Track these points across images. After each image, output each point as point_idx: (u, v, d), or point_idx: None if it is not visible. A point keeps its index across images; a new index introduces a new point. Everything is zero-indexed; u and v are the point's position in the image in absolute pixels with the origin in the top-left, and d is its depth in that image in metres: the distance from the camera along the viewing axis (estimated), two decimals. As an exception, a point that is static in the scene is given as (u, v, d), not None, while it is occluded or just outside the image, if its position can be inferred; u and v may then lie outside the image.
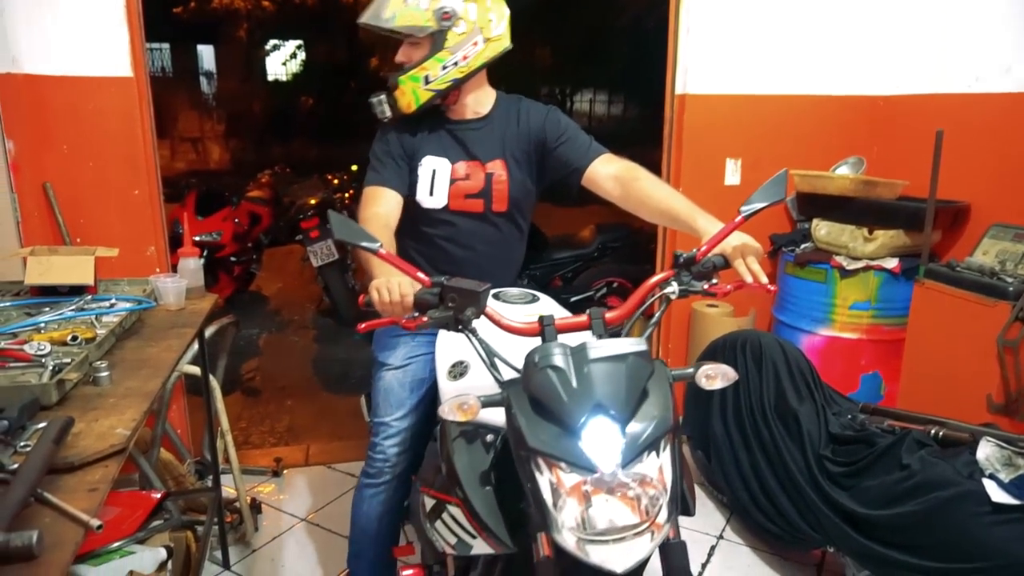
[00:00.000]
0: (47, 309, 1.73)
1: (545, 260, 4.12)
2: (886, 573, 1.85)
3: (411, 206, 1.79)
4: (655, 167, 2.88)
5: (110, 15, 2.42)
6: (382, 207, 1.67)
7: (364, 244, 1.20)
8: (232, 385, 3.85)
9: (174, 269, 2.16)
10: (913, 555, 1.76)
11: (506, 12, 1.72)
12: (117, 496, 1.94)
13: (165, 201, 2.72)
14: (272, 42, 15.52)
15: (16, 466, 1.02)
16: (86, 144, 2.49)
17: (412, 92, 1.68)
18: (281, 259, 6.68)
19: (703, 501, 2.68)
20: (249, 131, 14.25)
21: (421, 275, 1.23)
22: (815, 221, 2.89)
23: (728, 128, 2.98)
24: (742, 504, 2.37)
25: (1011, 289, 2.12)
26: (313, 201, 5.12)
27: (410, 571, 1.68)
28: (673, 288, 1.29)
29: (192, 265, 2.08)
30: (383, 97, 1.72)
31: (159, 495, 1.95)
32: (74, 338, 1.52)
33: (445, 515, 1.34)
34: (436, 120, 1.77)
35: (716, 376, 1.18)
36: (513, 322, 1.27)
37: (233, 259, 5.34)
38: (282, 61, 16.07)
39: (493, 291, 1.59)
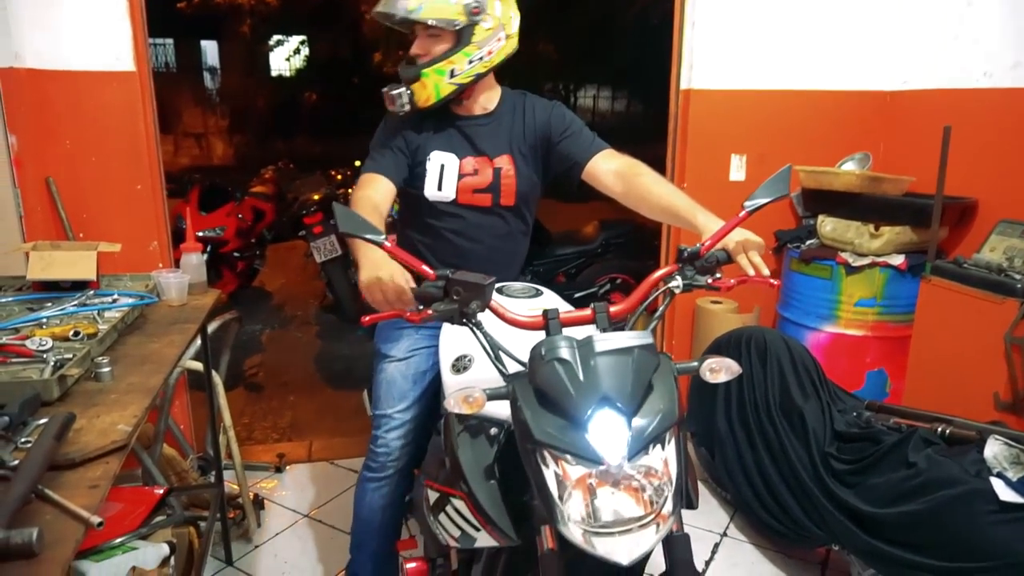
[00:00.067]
0: (49, 304, 1.72)
1: (549, 256, 4.11)
2: (892, 572, 1.84)
3: (417, 200, 1.79)
4: (660, 163, 2.87)
5: (113, 9, 2.41)
6: (374, 191, 1.66)
7: (369, 236, 1.20)
8: (235, 381, 3.85)
9: (177, 264, 2.16)
10: (919, 554, 1.75)
11: (518, 13, 1.73)
12: (120, 492, 1.94)
13: (169, 197, 2.72)
14: (276, 38, 15.52)
15: (17, 462, 1.02)
16: (89, 139, 2.48)
17: (435, 85, 1.66)
18: (284, 255, 6.69)
19: (707, 498, 2.67)
20: (252, 127, 14.26)
21: (426, 267, 1.23)
22: (821, 217, 2.87)
23: (733, 123, 2.96)
24: (746, 501, 2.36)
25: (1019, 286, 2.10)
26: (316, 197, 5.12)
27: (413, 564, 1.68)
28: (677, 282, 1.31)
29: (195, 260, 2.07)
30: (404, 89, 1.68)
31: (162, 491, 1.96)
32: (76, 333, 1.52)
33: (449, 508, 1.35)
34: (442, 116, 1.77)
35: (720, 370, 1.19)
36: (517, 316, 1.27)
37: (236, 255, 5.34)
38: (285, 57, 16.08)
39: (496, 285, 1.59)
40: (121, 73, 2.46)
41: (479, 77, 1.70)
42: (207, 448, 2.55)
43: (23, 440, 1.10)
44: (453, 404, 1.14)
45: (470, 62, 1.65)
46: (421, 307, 1.23)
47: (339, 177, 6.74)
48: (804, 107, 3.00)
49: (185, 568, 1.86)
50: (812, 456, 2.11)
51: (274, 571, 2.29)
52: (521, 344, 1.21)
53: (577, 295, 3.88)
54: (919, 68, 2.89)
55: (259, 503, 2.55)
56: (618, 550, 1.02)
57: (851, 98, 3.03)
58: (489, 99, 1.79)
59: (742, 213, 1.28)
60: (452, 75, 1.65)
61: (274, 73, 16.04)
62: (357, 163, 7.23)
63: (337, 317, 5.13)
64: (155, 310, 1.85)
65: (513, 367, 1.23)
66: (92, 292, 1.81)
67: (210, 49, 15.07)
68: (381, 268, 1.26)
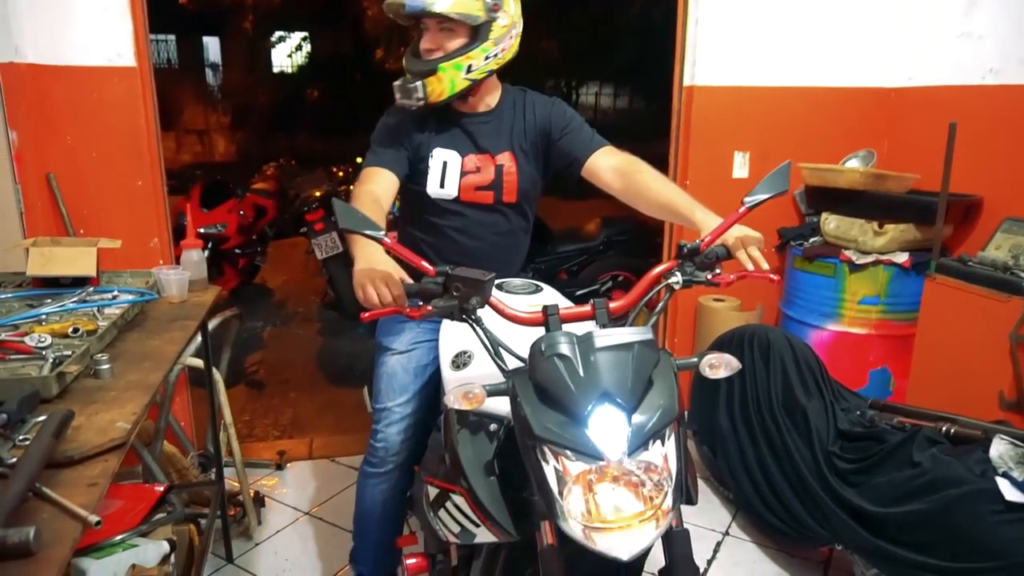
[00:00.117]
0: (49, 301, 1.72)
1: (551, 254, 4.10)
2: (896, 572, 1.83)
3: (419, 197, 1.78)
4: (662, 160, 2.86)
5: (113, 5, 2.40)
6: (376, 185, 1.65)
7: (368, 232, 1.19)
8: (236, 378, 3.84)
9: (178, 261, 2.15)
10: (924, 554, 1.74)
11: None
12: (120, 489, 1.93)
13: (171, 193, 2.71)
14: (278, 34, 15.50)
15: (15, 460, 1.01)
16: (90, 134, 2.47)
17: (450, 80, 1.65)
18: (286, 251, 6.67)
19: (709, 497, 2.66)
20: (254, 123, 14.25)
21: (425, 264, 1.22)
22: (824, 215, 2.86)
23: (737, 120, 2.95)
24: (748, 500, 2.36)
25: (1024, 284, 2.09)
26: (318, 193, 5.11)
27: (413, 560, 1.68)
28: (676, 278, 1.31)
29: (195, 257, 2.06)
30: (420, 83, 1.65)
31: (162, 488, 1.95)
32: (75, 330, 1.51)
33: (449, 504, 1.35)
34: (445, 113, 1.76)
35: (720, 365, 1.19)
36: (517, 311, 1.27)
37: (238, 251, 5.34)
38: (287, 53, 16.05)
39: (496, 281, 1.59)
40: (122, 68, 2.45)
41: (490, 74, 1.70)
42: (208, 445, 2.55)
43: (21, 438, 1.10)
44: (453, 400, 1.14)
45: (486, 58, 1.65)
46: (420, 303, 1.23)
47: (341, 174, 6.72)
48: (808, 104, 2.98)
49: (185, 566, 1.85)
50: (815, 455, 2.10)
51: (274, 569, 2.29)
52: (521, 340, 1.21)
53: (579, 292, 3.87)
54: (924, 64, 2.87)
55: (260, 500, 2.55)
56: (618, 546, 1.03)
57: (855, 95, 3.01)
58: (492, 96, 1.79)
59: (741, 209, 1.29)
60: (469, 71, 1.65)
61: (276, 69, 16.01)
62: (359, 160, 7.22)
63: (338, 314, 5.12)
64: (155, 307, 1.84)
65: (513, 363, 1.23)
66: (92, 289, 1.80)
67: (212, 45, 15.04)
68: (374, 265, 1.26)
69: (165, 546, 1.72)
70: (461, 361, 1.51)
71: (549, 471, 1.06)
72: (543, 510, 1.10)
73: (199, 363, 2.33)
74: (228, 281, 5.21)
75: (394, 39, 12.58)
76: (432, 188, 1.76)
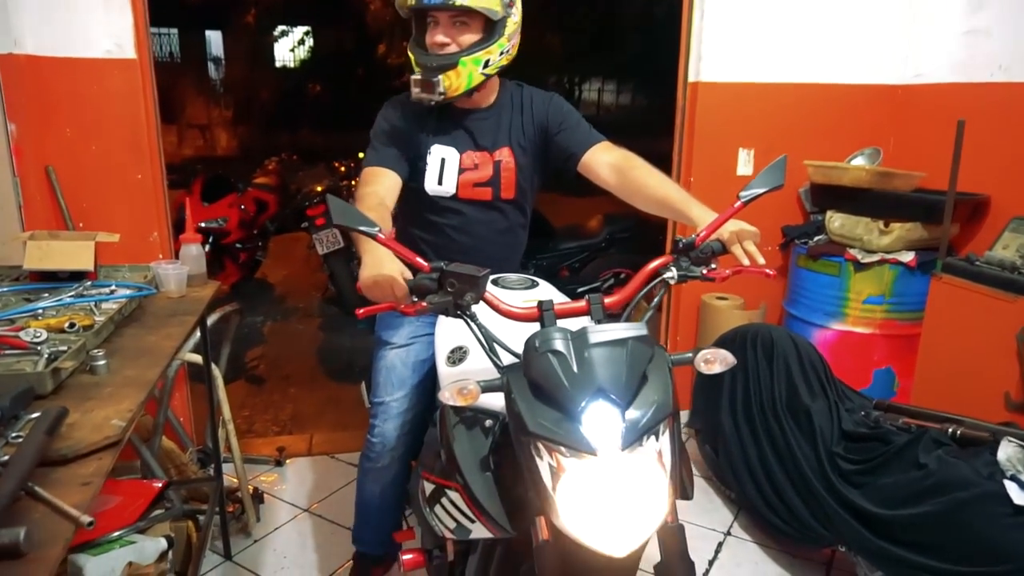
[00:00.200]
0: (46, 295, 1.70)
1: (552, 250, 4.09)
2: (901, 574, 1.81)
3: (417, 194, 1.77)
4: (666, 157, 2.83)
5: (114, -4, 2.38)
6: (380, 186, 1.64)
7: (362, 228, 1.18)
8: (236, 373, 3.83)
9: (178, 255, 2.13)
10: (930, 556, 1.72)
11: None
12: (118, 485, 1.92)
13: (172, 187, 2.70)
14: (280, 28, 15.48)
15: (7, 458, 0.99)
16: (89, 127, 2.45)
17: (468, 75, 1.62)
18: (287, 246, 6.66)
19: (711, 497, 2.64)
20: (256, 118, 14.24)
21: (420, 260, 1.22)
22: (829, 213, 2.83)
23: (741, 117, 2.92)
24: (751, 500, 2.34)
25: (1032, 284, 2.07)
26: (319, 188, 5.10)
27: (410, 555, 1.68)
28: (672, 273, 1.31)
29: (194, 251, 2.05)
30: (441, 77, 1.61)
31: (160, 484, 1.93)
32: (72, 325, 1.49)
33: (444, 500, 1.35)
34: (443, 109, 1.75)
35: (715, 361, 1.19)
36: (512, 307, 1.27)
37: (239, 246, 5.33)
38: (290, 47, 16.03)
39: (492, 276, 1.58)
40: (122, 61, 2.43)
41: (501, 70, 1.69)
42: (207, 441, 2.53)
43: (14, 435, 1.08)
44: (447, 396, 1.14)
45: (501, 54, 1.64)
46: (415, 299, 1.23)
47: (343, 169, 6.71)
48: (813, 101, 2.96)
49: (183, 562, 1.84)
50: (819, 455, 2.08)
51: (273, 565, 2.27)
52: (516, 336, 1.20)
53: (580, 289, 3.85)
54: (931, 61, 2.85)
55: (259, 497, 2.53)
56: (613, 541, 1.02)
57: (861, 92, 2.99)
58: (491, 92, 1.78)
59: (737, 204, 1.28)
60: (486, 65, 1.63)
61: (278, 64, 16.01)
62: (361, 155, 7.20)
63: (339, 309, 5.11)
64: (153, 302, 1.82)
65: (508, 359, 1.22)
66: (90, 283, 1.78)
67: (214, 39, 15.03)
68: (380, 268, 1.25)
69: (163, 543, 1.71)
70: (457, 357, 1.51)
71: (543, 467, 1.05)
72: (538, 506, 1.10)
73: (198, 358, 2.32)
74: (229, 276, 5.20)
75: (396, 34, 12.54)
76: (430, 185, 1.75)
